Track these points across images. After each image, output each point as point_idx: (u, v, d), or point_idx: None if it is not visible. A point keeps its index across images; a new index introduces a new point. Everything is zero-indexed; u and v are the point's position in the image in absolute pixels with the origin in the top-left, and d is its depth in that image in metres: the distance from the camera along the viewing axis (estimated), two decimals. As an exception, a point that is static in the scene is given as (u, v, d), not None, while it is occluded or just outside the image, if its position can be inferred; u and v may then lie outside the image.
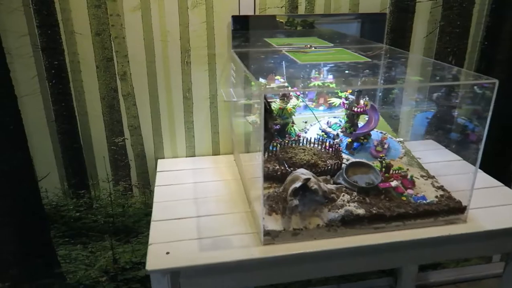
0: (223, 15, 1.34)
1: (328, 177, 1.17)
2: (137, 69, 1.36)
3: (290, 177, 1.08)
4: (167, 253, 0.97)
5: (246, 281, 1.03)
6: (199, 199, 1.22)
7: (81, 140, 1.42)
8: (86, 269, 1.63)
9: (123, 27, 1.30)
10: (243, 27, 1.36)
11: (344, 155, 1.31)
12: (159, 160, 1.49)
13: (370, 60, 1.20)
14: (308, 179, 1.04)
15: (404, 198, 1.10)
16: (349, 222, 1.02)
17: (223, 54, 1.39)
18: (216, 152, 1.54)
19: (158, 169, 1.42)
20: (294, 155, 1.23)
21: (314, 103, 1.55)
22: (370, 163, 1.21)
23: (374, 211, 1.04)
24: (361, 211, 1.03)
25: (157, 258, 0.95)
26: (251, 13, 1.36)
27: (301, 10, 1.39)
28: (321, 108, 1.51)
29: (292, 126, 1.36)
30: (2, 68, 1.29)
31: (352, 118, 1.36)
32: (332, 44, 1.40)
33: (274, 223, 1.02)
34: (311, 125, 1.46)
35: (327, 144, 1.31)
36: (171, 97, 1.42)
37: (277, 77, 1.47)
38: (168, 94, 1.41)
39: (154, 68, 1.37)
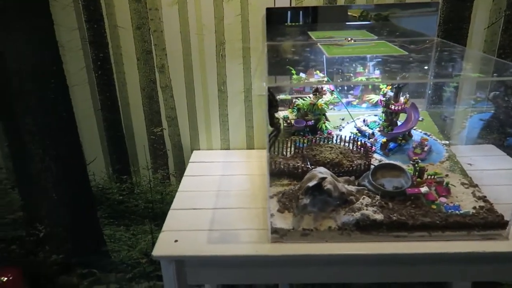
0: (258, 8, 1.32)
1: (353, 178, 1.10)
2: (174, 62, 1.40)
3: (307, 175, 1.04)
4: (176, 241, 0.99)
5: (249, 278, 1.02)
6: (222, 191, 1.22)
7: (123, 128, 1.51)
8: (128, 249, 1.73)
9: (161, 20, 1.35)
10: (280, 20, 1.33)
11: (377, 156, 1.22)
12: (194, 151, 1.52)
13: (406, 53, 1.10)
14: (323, 179, 0.98)
15: (434, 207, 0.99)
16: (365, 227, 0.95)
17: (258, 47, 1.37)
18: (250, 146, 1.53)
19: (190, 160, 1.46)
20: (319, 152, 1.17)
21: (357, 100, 1.47)
22: (402, 166, 1.11)
23: (394, 218, 0.95)
24: (379, 217, 0.95)
25: (165, 245, 0.97)
26: (286, 5, 1.32)
27: (341, 1, 1.32)
28: (364, 105, 1.42)
29: (324, 122, 1.30)
30: (56, 60, 1.41)
31: (390, 116, 1.26)
32: (376, 37, 1.31)
33: (284, 221, 0.98)
34: (347, 122, 1.38)
35: (359, 143, 1.23)
36: (206, 90, 1.44)
37: (317, 71, 1.42)
38: (203, 87, 1.44)
39: (190, 61, 1.40)
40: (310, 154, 1.17)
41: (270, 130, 0.89)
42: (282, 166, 1.15)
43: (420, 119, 1.35)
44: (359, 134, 1.28)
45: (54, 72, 1.43)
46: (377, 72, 1.37)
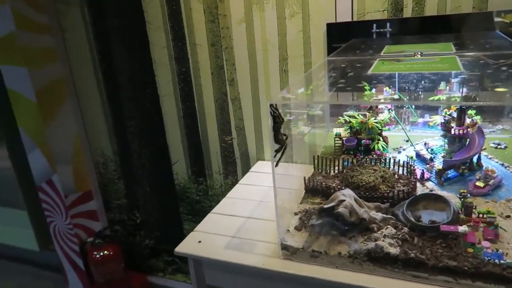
0: (319, 23, 1.32)
1: (387, 205, 1.01)
2: (242, 76, 1.50)
3: (332, 196, 1.00)
4: (199, 242, 1.07)
5: (257, 288, 1.03)
6: (263, 202, 1.26)
7: (200, 135, 1.67)
8: (203, 246, 1.89)
9: (231, 38, 1.46)
10: (342, 35, 1.30)
11: (430, 185, 1.09)
12: (259, 161, 1.59)
13: (462, 70, 0.96)
14: (341, 201, 0.94)
15: (470, 250, 0.85)
16: (377, 260, 0.87)
17: (319, 62, 1.37)
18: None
19: (251, 169, 1.53)
20: (359, 174, 1.11)
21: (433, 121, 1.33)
22: (448, 198, 0.97)
23: (411, 255, 0.85)
24: (394, 250, 0.86)
25: (188, 243, 1.07)
26: (348, 19, 1.28)
27: (407, 13, 1.22)
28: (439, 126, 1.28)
29: (378, 143, 1.22)
30: (150, 73, 1.66)
31: (453, 141, 1.11)
32: (454, 51, 1.17)
33: (297, 239, 0.97)
34: (411, 144, 1.26)
35: (412, 168, 1.11)
36: (270, 103, 1.49)
37: (386, 88, 1.34)
38: (268, 99, 1.49)
39: (256, 75, 1.48)
40: (348, 175, 1.11)
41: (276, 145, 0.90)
42: (317, 184, 1.13)
43: (502, 146, 1.15)
44: (415, 159, 1.16)
45: (149, 84, 1.68)
46: (463, 90, 1.22)
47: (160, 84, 1.66)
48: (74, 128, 1.89)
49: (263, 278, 1.01)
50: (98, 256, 1.90)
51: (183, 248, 1.05)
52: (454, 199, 0.98)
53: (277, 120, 0.85)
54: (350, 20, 1.28)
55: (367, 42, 1.32)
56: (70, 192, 1.92)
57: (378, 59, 1.20)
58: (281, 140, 0.87)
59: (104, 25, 1.65)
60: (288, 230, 1.00)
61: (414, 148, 1.20)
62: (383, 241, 0.89)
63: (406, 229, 0.93)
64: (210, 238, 1.09)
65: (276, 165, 0.91)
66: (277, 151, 0.89)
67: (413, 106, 1.36)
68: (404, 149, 1.25)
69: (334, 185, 1.09)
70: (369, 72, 1.05)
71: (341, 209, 0.91)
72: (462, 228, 0.87)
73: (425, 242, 0.89)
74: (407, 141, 1.28)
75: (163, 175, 1.84)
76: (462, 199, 0.95)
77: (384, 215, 0.97)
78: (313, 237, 0.96)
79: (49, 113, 1.78)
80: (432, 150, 1.19)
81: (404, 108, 1.41)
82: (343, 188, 1.06)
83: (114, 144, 1.88)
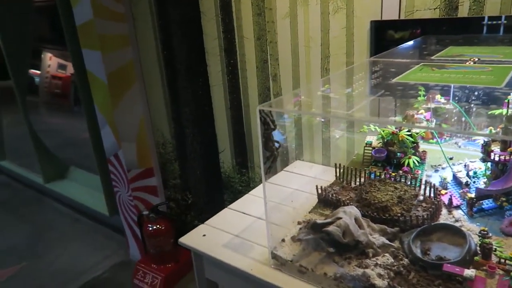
0: (364, 20, 1.21)
1: (396, 229, 0.91)
2: (284, 71, 1.46)
3: (335, 211, 0.94)
4: (204, 235, 1.10)
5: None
6: (280, 205, 1.22)
7: (244, 127, 1.68)
8: (243, 235, 1.93)
9: (276, 32, 1.42)
10: (386, 34, 1.18)
11: (458, 214, 0.95)
12: (296, 161, 1.55)
13: (500, 87, 0.80)
14: (338, 219, 0.88)
15: (472, 300, 0.72)
16: (362, 289, 0.80)
17: (362, 62, 1.26)
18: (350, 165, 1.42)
19: (286, 168, 1.49)
20: (376, 190, 1.01)
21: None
22: (468, 233, 0.84)
23: (398, 291, 0.76)
24: (380, 283, 0.78)
25: (193, 236, 1.10)
26: (394, 17, 1.15)
27: (463, 11, 1.05)
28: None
29: (409, 158, 1.09)
30: (203, 63, 1.71)
31: (496, 167, 0.94)
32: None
33: (288, 251, 0.93)
34: (454, 164, 1.10)
35: (438, 191, 0.98)
36: (311, 102, 1.43)
37: (438, 96, 1.19)
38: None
39: (298, 72, 1.43)
40: (364, 190, 1.02)
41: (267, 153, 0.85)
42: (329, 195, 1.06)
43: None
44: (448, 181, 1.02)
45: (202, 73, 1.73)
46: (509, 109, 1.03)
47: (211, 74, 1.70)
48: (140, 110, 2.05)
49: (252, 283, 0.99)
50: (151, 229, 2.06)
51: (186, 239, 1.09)
52: (468, 234, 0.84)
53: (268, 127, 0.81)
54: (397, 18, 1.15)
55: (431, 41, 1.17)
56: (133, 167, 2.10)
57: (421, 63, 1.07)
58: (271, 148, 0.83)
59: (166, 15, 1.73)
60: (283, 240, 0.97)
61: (452, 168, 1.05)
62: (372, 269, 0.81)
63: (406, 261, 0.83)
64: (215, 233, 1.10)
65: (266, 173, 0.88)
66: (268, 158, 0.85)
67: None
68: (443, 168, 1.10)
69: (344, 198, 1.02)
70: (394, 80, 0.93)
71: (331, 227, 0.85)
72: (469, 272, 0.75)
73: (421, 280, 0.78)
74: (451, 158, 1.13)
75: (211, 162, 1.90)
76: (481, 238, 0.81)
77: (386, 241, 0.87)
78: (306, 252, 0.91)
79: (118, 94, 1.95)
80: (474, 173, 1.02)
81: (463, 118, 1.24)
82: (350, 203, 0.98)
83: (172, 127, 2.00)
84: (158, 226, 2.07)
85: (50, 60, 3.49)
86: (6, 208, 3.12)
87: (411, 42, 1.19)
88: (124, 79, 1.95)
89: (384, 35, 1.18)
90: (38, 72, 3.50)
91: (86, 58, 1.95)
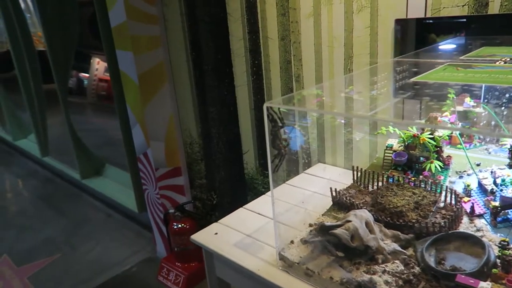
0: (388, 19, 1.17)
1: (411, 236, 0.86)
2: (308, 72, 1.44)
3: (346, 214, 0.91)
4: (215, 233, 1.09)
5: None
6: (296, 207, 1.20)
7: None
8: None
9: (300, 33, 1.41)
10: (411, 33, 1.13)
11: (480, 223, 0.89)
12: (318, 163, 1.51)
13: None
14: (347, 222, 0.84)
15: (485, 315, 0.67)
16: (367, 296, 0.76)
17: (387, 63, 1.22)
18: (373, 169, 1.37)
19: (307, 171, 1.46)
20: (392, 195, 0.96)
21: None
22: (490, 244, 0.78)
23: (405, 301, 0.71)
24: (386, 291, 0.74)
25: (205, 233, 1.10)
26: (421, 15, 1.10)
27: (494, 8, 0.98)
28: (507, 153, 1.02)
29: (432, 162, 1.03)
30: (229, 64, 1.72)
31: (524, 174, 0.87)
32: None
33: (296, 253, 0.91)
34: (480, 170, 1.03)
35: (459, 198, 0.92)
36: (333, 104, 1.40)
37: (468, 99, 1.13)
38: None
39: (321, 73, 1.40)
40: (380, 194, 0.98)
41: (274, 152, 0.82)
42: (343, 198, 1.03)
43: None
44: (471, 188, 0.95)
45: (227, 73, 1.74)
46: None
47: (236, 75, 1.71)
48: (169, 110, 2.09)
49: (259, 283, 0.97)
50: (176, 227, 2.09)
51: (198, 236, 1.09)
52: (488, 245, 0.78)
53: (276, 124, 0.80)
54: (423, 16, 1.10)
55: (463, 42, 1.11)
56: (161, 166, 2.14)
57: (447, 63, 1.01)
58: (278, 146, 0.81)
59: (195, 15, 1.76)
60: (292, 242, 0.95)
61: (477, 175, 0.98)
62: (380, 276, 0.77)
63: (417, 269, 0.78)
64: (227, 232, 1.10)
65: (274, 171, 0.86)
66: (275, 156, 0.84)
67: (502, 120, 1.11)
68: (469, 175, 1.03)
69: (358, 202, 0.98)
70: (414, 79, 0.89)
71: (339, 230, 0.82)
72: (484, 285, 0.70)
73: (432, 290, 0.73)
74: (478, 164, 1.06)
75: (236, 163, 1.91)
76: (500, 249, 0.75)
77: (397, 247, 0.83)
78: (314, 254, 0.89)
79: (149, 94, 2.01)
80: (503, 181, 0.95)
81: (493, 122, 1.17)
82: (365, 207, 0.94)
83: (199, 127, 2.02)
84: (183, 224, 2.10)
85: (98, 64, 3.70)
86: (48, 202, 3.29)
87: (441, 44, 1.13)
88: (155, 79, 2.00)
89: (409, 34, 1.13)
90: (87, 75, 3.72)
91: (119, 59, 2.03)
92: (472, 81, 0.86)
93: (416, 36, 1.13)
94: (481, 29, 1.02)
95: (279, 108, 0.82)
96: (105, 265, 2.37)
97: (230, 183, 1.99)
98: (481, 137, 1.17)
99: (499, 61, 0.97)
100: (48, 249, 2.59)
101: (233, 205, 1.98)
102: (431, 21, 1.09)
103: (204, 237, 1.09)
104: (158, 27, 1.96)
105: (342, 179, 1.36)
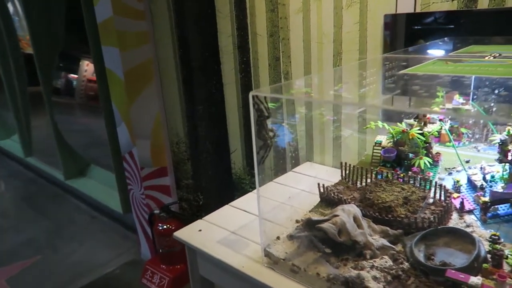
0: (377, 15, 1.16)
1: (399, 231, 0.84)
2: (296, 69, 1.42)
3: (333, 209, 0.88)
4: (199, 230, 1.06)
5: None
6: (282, 204, 1.18)
7: (255, 127, 1.65)
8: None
9: (289, 29, 1.39)
10: (400, 29, 1.12)
11: (469, 219, 0.87)
12: (306, 162, 1.49)
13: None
14: (334, 216, 0.82)
15: (476, 310, 0.65)
16: (355, 292, 0.73)
17: (375, 59, 1.20)
18: (361, 170, 1.35)
19: (294, 169, 1.44)
20: (381, 190, 0.94)
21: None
22: (480, 239, 0.76)
23: (393, 297, 0.69)
24: (375, 286, 0.71)
25: (188, 230, 1.06)
26: (410, 10, 1.09)
27: (483, 3, 0.98)
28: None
29: (421, 159, 1.02)
30: (217, 61, 1.69)
31: (513, 169, 0.86)
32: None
33: (282, 249, 0.88)
34: (469, 167, 1.02)
35: (448, 194, 0.90)
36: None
37: (457, 96, 1.12)
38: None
39: (310, 70, 1.38)
40: (368, 190, 0.96)
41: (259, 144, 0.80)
42: (331, 194, 1.00)
43: None
44: (461, 184, 0.94)
45: (216, 71, 1.71)
46: None
47: (225, 72, 1.68)
48: (156, 107, 2.05)
49: (244, 281, 0.94)
50: (161, 228, 2.04)
51: (181, 233, 1.05)
52: (478, 240, 0.76)
53: (262, 114, 0.77)
54: (412, 11, 1.09)
55: (453, 41, 1.10)
56: (147, 166, 2.10)
57: (436, 58, 1.00)
58: (264, 137, 0.79)
59: (183, 12, 1.73)
60: (278, 238, 0.92)
61: (466, 171, 0.96)
62: (368, 272, 0.74)
63: (406, 265, 0.76)
64: (211, 229, 1.07)
65: (259, 163, 0.83)
66: (261, 147, 0.81)
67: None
68: (458, 171, 1.02)
69: (346, 197, 0.96)
70: (404, 71, 0.87)
71: (325, 224, 0.79)
72: (475, 280, 0.67)
73: (421, 285, 0.71)
74: (467, 161, 1.04)
75: (223, 163, 1.87)
76: (491, 243, 0.73)
77: (386, 243, 0.80)
78: (300, 250, 0.86)
79: (135, 91, 1.96)
80: (492, 177, 0.94)
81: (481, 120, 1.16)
82: (352, 203, 0.91)
83: (185, 126, 1.98)
84: (168, 225, 2.05)
85: (87, 66, 3.66)
86: (31, 203, 3.20)
87: (429, 43, 1.12)
88: (141, 76, 1.96)
89: (398, 29, 1.12)
90: (76, 76, 3.67)
91: (105, 55, 1.98)
92: (462, 73, 0.84)
93: (405, 31, 1.11)
94: (471, 24, 1.01)
95: (265, 98, 0.79)
96: (88, 268, 2.30)
97: (217, 183, 1.95)
98: (470, 135, 1.16)
99: (488, 56, 0.96)
100: (29, 251, 2.51)
101: (220, 206, 1.94)
102: (420, 16, 1.08)
103: (188, 233, 1.05)
104: (145, 23, 1.92)
105: (331, 177, 1.34)
